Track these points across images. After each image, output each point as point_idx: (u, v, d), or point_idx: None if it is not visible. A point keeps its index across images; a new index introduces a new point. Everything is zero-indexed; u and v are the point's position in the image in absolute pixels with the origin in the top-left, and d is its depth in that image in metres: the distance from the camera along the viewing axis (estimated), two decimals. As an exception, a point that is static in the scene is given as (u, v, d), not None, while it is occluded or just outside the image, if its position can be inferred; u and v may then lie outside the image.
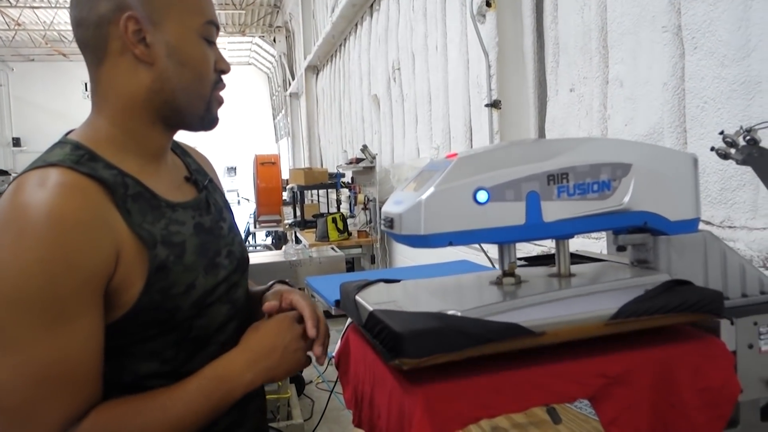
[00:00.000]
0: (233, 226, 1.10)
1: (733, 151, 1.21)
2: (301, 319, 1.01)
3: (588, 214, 0.95)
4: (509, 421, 1.30)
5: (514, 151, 0.97)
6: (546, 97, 2.98)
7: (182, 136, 1.07)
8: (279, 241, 9.62)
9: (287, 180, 9.72)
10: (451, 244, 0.91)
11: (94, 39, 0.92)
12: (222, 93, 1.01)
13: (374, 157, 6.27)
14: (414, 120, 5.17)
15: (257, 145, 16.64)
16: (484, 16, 3.21)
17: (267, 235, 10.60)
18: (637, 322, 0.89)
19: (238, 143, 17.80)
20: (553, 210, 0.93)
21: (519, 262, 1.11)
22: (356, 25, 7.28)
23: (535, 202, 0.92)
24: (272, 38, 14.55)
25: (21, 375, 0.78)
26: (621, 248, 1.09)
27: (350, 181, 7.33)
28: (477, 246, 1.05)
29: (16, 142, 17.59)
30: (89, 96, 0.98)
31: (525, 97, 3.15)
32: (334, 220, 5.98)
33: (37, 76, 17.74)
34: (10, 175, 11.26)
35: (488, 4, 3.13)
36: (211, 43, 0.97)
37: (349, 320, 1.14)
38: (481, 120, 3.51)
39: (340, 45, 8.36)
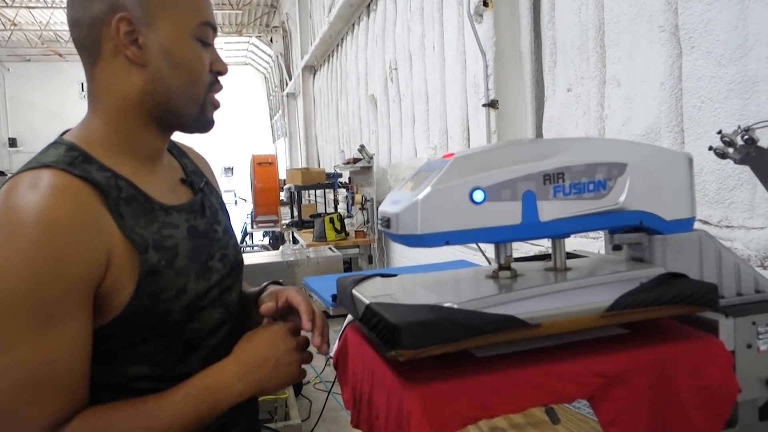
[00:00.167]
0: (228, 229, 1.10)
1: (731, 150, 1.21)
2: (296, 332, 1.01)
3: (584, 213, 0.95)
4: (508, 422, 1.30)
5: (511, 150, 0.97)
6: (543, 96, 2.98)
7: (179, 137, 1.06)
8: (276, 241, 9.61)
9: (284, 180, 9.71)
10: (447, 243, 0.91)
11: (88, 40, 0.91)
12: (220, 93, 1.01)
13: (371, 157, 6.27)
14: (411, 120, 5.17)
15: (254, 145, 16.64)
16: (481, 15, 3.21)
17: (264, 236, 10.58)
18: (632, 314, 0.89)
19: (235, 143, 17.79)
20: (549, 209, 0.93)
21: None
22: (353, 25, 7.28)
23: (531, 201, 0.92)
24: (269, 38, 14.55)
25: (6, 377, 0.78)
26: (617, 247, 1.09)
27: (347, 181, 7.33)
28: (475, 246, 1.06)
29: (12, 142, 17.55)
30: (85, 96, 0.97)
31: (522, 97, 3.15)
32: (331, 221, 5.97)
33: (33, 77, 17.71)
34: (6, 175, 11.24)
35: (485, 4, 3.13)
36: (207, 44, 0.96)
37: (347, 320, 1.14)
38: (478, 120, 3.51)
39: (337, 45, 8.35)
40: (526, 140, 1.09)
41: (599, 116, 2.47)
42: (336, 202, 7.83)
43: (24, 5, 12.54)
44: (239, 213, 13.57)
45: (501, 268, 1.01)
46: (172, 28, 0.91)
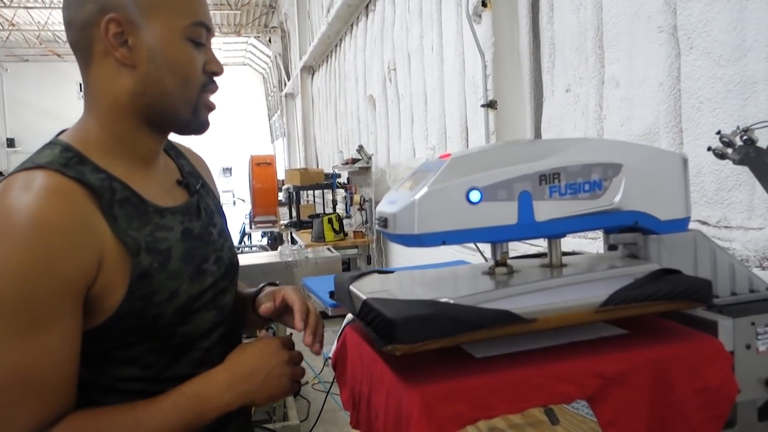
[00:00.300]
0: (224, 231, 1.09)
1: (729, 151, 1.21)
2: (290, 345, 1.00)
3: (579, 213, 0.96)
4: (506, 422, 1.30)
5: (507, 151, 0.98)
6: (542, 97, 2.98)
7: (177, 137, 1.06)
8: (275, 241, 9.61)
9: (283, 180, 9.71)
10: (444, 243, 0.92)
11: (81, 41, 0.91)
12: (217, 94, 1.00)
13: (370, 158, 6.27)
14: (410, 120, 5.17)
15: (253, 145, 16.63)
16: (479, 16, 3.21)
17: (263, 236, 10.58)
18: (626, 309, 0.90)
19: (234, 144, 17.77)
20: (545, 209, 0.94)
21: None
22: (352, 25, 7.28)
23: (527, 201, 0.93)
24: (267, 38, 14.54)
25: None
26: (612, 247, 1.11)
27: (346, 182, 7.33)
28: (473, 246, 1.07)
29: (10, 142, 17.52)
30: (83, 97, 0.97)
31: (521, 98, 3.15)
32: (330, 221, 5.97)
33: (31, 77, 17.68)
34: (4, 175, 11.21)
35: (484, 4, 3.13)
36: (200, 44, 0.94)
37: (345, 320, 1.14)
38: (477, 120, 3.51)
39: (336, 45, 8.35)
40: (522, 141, 1.09)
41: (598, 117, 2.47)
42: (334, 202, 7.83)
43: (22, 5, 12.52)
44: (238, 213, 13.56)
45: (497, 264, 1.02)
46: (162, 28, 0.90)
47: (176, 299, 0.92)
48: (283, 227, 8.42)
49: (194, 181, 1.08)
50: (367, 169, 6.37)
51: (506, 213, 0.92)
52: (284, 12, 12.67)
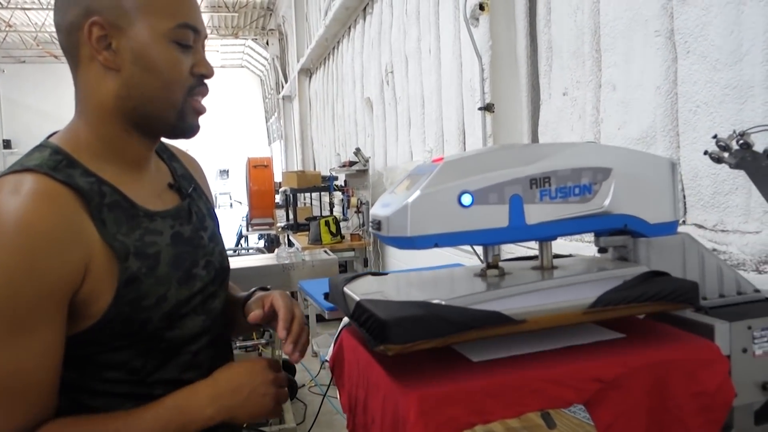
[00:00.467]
0: (215, 235, 1.08)
1: (726, 155, 1.21)
2: (277, 367, 1.00)
3: (569, 216, 0.98)
4: (503, 426, 1.30)
5: (498, 155, 1.00)
6: (539, 100, 2.98)
7: (173, 140, 1.05)
8: (271, 244, 9.59)
9: (280, 183, 9.70)
10: (436, 245, 0.94)
11: (68, 45, 0.91)
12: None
13: (367, 160, 6.27)
14: (407, 123, 5.17)
15: (250, 147, 16.62)
16: (477, 19, 3.21)
17: (259, 238, 10.56)
18: (615, 311, 0.91)
19: (231, 146, 17.78)
20: (536, 212, 0.96)
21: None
22: (349, 28, 7.28)
23: (518, 205, 0.95)
24: (265, 41, 14.55)
25: None
26: (602, 250, 1.13)
27: (343, 184, 7.32)
28: (470, 249, 1.07)
29: (7, 144, 17.49)
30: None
31: (518, 101, 3.15)
32: (327, 224, 5.97)
33: (28, 78, 17.67)
34: (1, 177, 11.17)
35: (481, 8, 3.14)
36: (187, 46, 0.93)
37: (342, 324, 1.13)
38: (474, 123, 3.51)
39: (333, 48, 8.35)
40: (514, 145, 1.11)
41: (595, 120, 2.48)
42: (331, 205, 7.82)
43: (19, 7, 12.51)
44: (234, 216, 13.55)
45: (489, 266, 1.04)
46: (145, 31, 0.89)
47: (164, 304, 0.91)
48: (279, 230, 8.40)
49: (186, 184, 1.07)
50: (364, 172, 6.37)
51: (497, 216, 0.94)
52: (282, 14, 12.67)
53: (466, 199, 0.92)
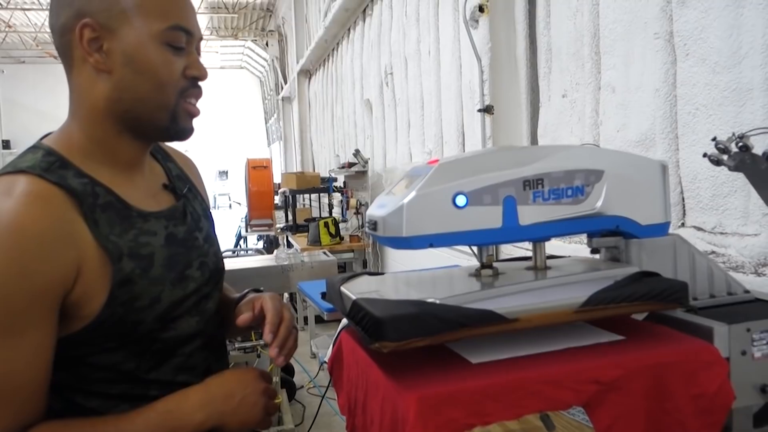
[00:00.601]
0: (210, 236, 1.08)
1: (725, 157, 1.21)
2: (268, 378, 1.00)
3: (562, 218, 1.01)
4: (503, 428, 1.30)
5: (492, 157, 1.02)
6: (538, 102, 2.99)
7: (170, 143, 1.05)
8: (270, 245, 9.59)
9: (279, 184, 9.70)
10: (431, 245, 0.96)
11: (61, 47, 0.91)
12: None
13: (366, 162, 6.27)
14: (406, 124, 5.17)
15: (249, 148, 16.61)
16: (477, 21, 3.22)
17: (258, 239, 10.55)
18: (605, 310, 0.93)
19: (230, 147, 17.78)
20: (529, 214, 0.98)
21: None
22: (349, 29, 7.29)
23: (512, 206, 0.97)
24: (265, 42, 14.54)
25: None
26: (595, 250, 1.15)
27: (342, 186, 7.32)
28: (469, 251, 1.08)
29: (6, 144, 17.48)
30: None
31: (517, 103, 3.15)
32: (326, 225, 5.96)
33: (27, 79, 17.67)
34: None
35: (481, 10, 3.14)
36: (179, 48, 0.92)
37: (341, 325, 1.13)
38: (473, 125, 3.51)
39: (333, 49, 8.36)
40: (508, 147, 1.14)
41: (594, 122, 2.48)
42: (331, 206, 7.82)
43: (19, 7, 12.51)
44: (233, 217, 13.54)
45: (483, 266, 1.06)
46: (136, 33, 0.88)
47: (158, 305, 0.91)
48: (279, 231, 8.40)
49: (181, 184, 1.06)
50: (363, 173, 6.37)
51: (491, 217, 0.96)
52: (281, 16, 12.68)
53: (461, 200, 0.94)
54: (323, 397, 1.74)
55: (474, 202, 0.95)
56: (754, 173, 1.18)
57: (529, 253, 1.13)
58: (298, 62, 10.56)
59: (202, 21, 13.66)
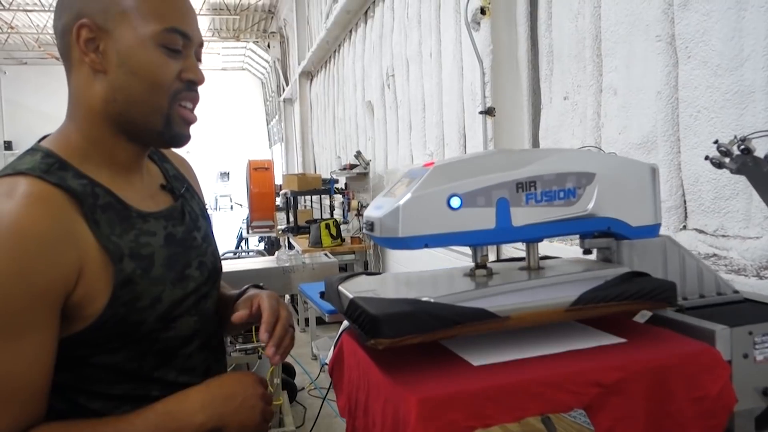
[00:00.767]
0: (208, 236, 1.08)
1: (727, 160, 1.21)
2: (265, 384, 1.00)
3: (554, 219, 1.03)
4: (503, 431, 1.30)
5: (487, 160, 1.05)
6: (540, 104, 2.98)
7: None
8: (272, 246, 9.59)
9: (280, 185, 9.70)
10: (427, 246, 0.99)
11: (62, 48, 0.92)
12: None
13: (368, 163, 6.27)
14: (408, 126, 5.17)
15: (251, 150, 16.61)
16: (478, 23, 3.22)
17: (260, 241, 10.55)
18: (595, 309, 0.96)
19: (232, 148, 17.78)
20: (522, 215, 1.01)
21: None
22: (350, 31, 7.29)
23: (505, 207, 1.00)
24: (266, 44, 14.55)
25: None
26: (587, 251, 1.18)
27: (344, 187, 7.32)
28: (468, 252, 1.09)
29: (8, 145, 17.50)
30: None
31: (519, 105, 3.15)
32: (327, 226, 5.96)
33: (29, 80, 17.68)
34: None
35: (483, 12, 3.14)
36: (175, 51, 0.92)
37: (342, 327, 1.13)
38: (475, 127, 3.51)
39: (335, 51, 8.36)
40: (502, 151, 1.18)
41: (596, 125, 2.48)
42: (332, 208, 7.82)
43: (21, 8, 12.53)
44: (235, 218, 13.55)
45: (477, 266, 1.09)
46: (132, 34, 0.89)
47: (159, 305, 0.91)
48: (280, 232, 8.40)
49: (179, 185, 1.07)
50: (364, 175, 6.37)
51: (485, 218, 0.99)
52: (283, 17, 12.69)
53: (455, 202, 0.97)
54: (324, 398, 1.75)
55: (468, 203, 0.98)
56: (756, 176, 1.18)
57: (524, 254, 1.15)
58: (299, 64, 10.57)
59: (204, 23, 13.67)
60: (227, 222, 13.36)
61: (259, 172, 10.28)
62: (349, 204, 6.88)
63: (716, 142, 1.22)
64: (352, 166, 6.39)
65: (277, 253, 4.13)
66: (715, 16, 1.80)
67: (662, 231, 1.16)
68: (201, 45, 0.97)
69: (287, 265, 3.62)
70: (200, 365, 0.99)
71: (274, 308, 1.01)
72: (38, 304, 0.79)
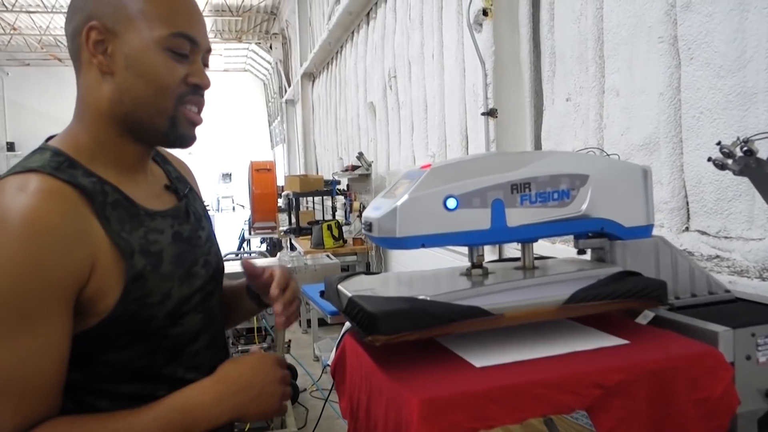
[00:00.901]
0: (211, 235, 1.11)
1: (730, 161, 1.21)
2: (284, 365, 1.00)
3: (549, 220, 1.06)
4: (505, 432, 1.29)
5: (482, 162, 1.07)
6: (542, 106, 2.98)
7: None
8: (274, 248, 9.60)
9: (282, 187, 9.71)
10: (423, 246, 1.01)
11: (72, 50, 0.94)
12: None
13: (370, 165, 6.28)
14: (410, 128, 5.18)
15: (253, 151, 16.62)
16: (480, 24, 3.22)
17: (262, 242, 10.56)
18: (587, 307, 0.98)
19: (234, 149, 17.78)
20: (516, 216, 1.03)
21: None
22: (352, 32, 7.30)
23: (500, 208, 1.02)
24: (268, 45, 14.56)
25: None
26: (581, 251, 1.21)
27: (346, 189, 7.33)
28: (467, 252, 1.10)
29: (11, 146, 17.53)
30: (79, 103, 0.98)
31: (521, 106, 3.15)
32: (329, 228, 5.97)
33: (32, 81, 17.72)
34: (4, 179, 11.16)
35: (485, 13, 3.14)
36: (182, 55, 0.93)
37: (344, 329, 1.14)
38: (477, 128, 3.51)
39: (337, 52, 8.37)
40: (498, 153, 1.22)
41: (598, 126, 2.48)
42: (334, 209, 7.82)
43: (24, 10, 12.56)
44: (237, 219, 13.55)
45: (473, 266, 1.11)
46: (139, 37, 0.90)
47: (168, 301, 0.93)
48: (282, 233, 8.41)
49: (182, 186, 1.09)
50: (366, 176, 6.37)
51: (480, 219, 1.01)
52: (285, 19, 12.71)
53: (451, 203, 1.00)
54: (326, 400, 1.74)
55: (464, 204, 1.00)
56: (759, 177, 1.18)
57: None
58: (301, 65, 10.58)
59: (206, 24, 13.69)
60: (229, 223, 13.37)
61: (261, 173, 10.28)
62: (351, 205, 6.89)
63: (719, 143, 1.22)
64: (354, 168, 6.39)
65: (279, 254, 4.14)
66: (717, 18, 1.80)
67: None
68: (209, 50, 0.99)
69: (289, 266, 3.62)
70: (206, 363, 1.00)
71: (285, 276, 1.05)
72: (52, 297, 0.80)
